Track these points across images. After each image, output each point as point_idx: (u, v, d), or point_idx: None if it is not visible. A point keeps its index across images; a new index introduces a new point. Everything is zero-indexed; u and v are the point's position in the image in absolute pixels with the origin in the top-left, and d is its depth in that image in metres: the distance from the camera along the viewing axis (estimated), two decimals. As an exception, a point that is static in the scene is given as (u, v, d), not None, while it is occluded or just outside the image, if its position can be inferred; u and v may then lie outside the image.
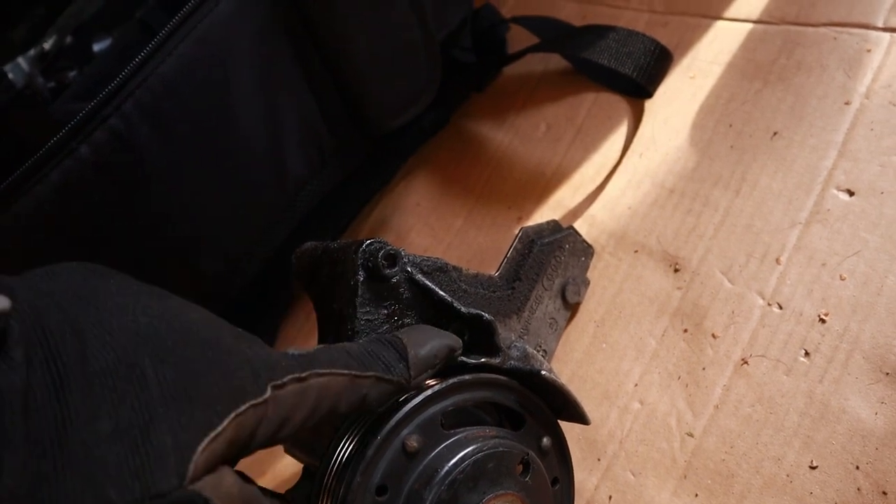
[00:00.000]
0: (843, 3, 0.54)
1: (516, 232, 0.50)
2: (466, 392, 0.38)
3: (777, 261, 0.47)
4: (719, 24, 0.61)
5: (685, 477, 0.44)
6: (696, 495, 0.43)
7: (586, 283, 0.54)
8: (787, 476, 0.41)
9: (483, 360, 0.39)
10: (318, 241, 0.45)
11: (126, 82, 0.47)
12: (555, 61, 0.71)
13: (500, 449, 0.36)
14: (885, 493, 0.38)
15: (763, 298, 0.47)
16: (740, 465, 0.43)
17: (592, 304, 0.54)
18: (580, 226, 0.57)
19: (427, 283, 0.41)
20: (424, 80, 0.66)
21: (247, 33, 0.52)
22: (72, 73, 0.70)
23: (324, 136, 0.61)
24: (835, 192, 0.48)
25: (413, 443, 0.35)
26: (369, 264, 0.39)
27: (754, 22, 0.59)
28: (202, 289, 0.58)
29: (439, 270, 0.42)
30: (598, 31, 0.63)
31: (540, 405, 0.41)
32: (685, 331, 0.49)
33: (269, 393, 0.29)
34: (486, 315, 0.40)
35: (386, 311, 0.40)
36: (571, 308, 0.54)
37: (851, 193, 0.47)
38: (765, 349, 0.45)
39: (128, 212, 0.51)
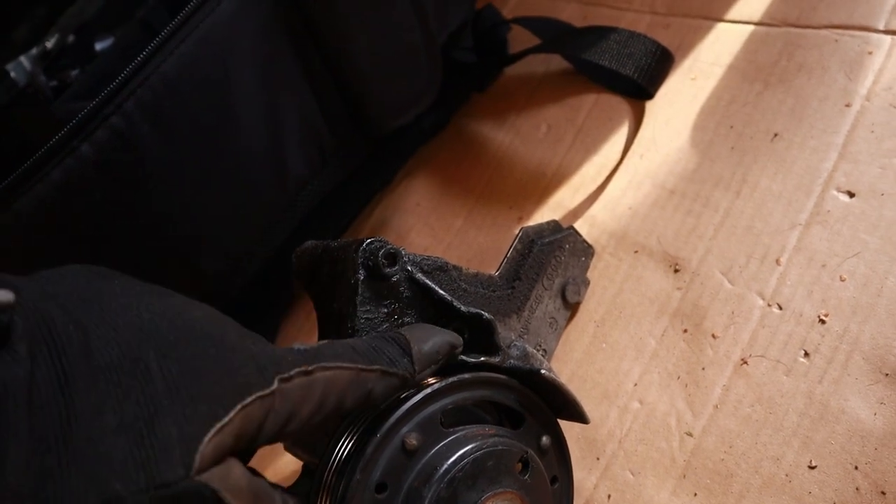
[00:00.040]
0: (844, 6, 0.54)
1: (516, 232, 0.50)
2: (466, 390, 0.38)
3: (777, 262, 0.47)
4: (721, 25, 0.62)
5: (684, 476, 0.44)
6: (695, 494, 0.43)
7: (586, 282, 0.55)
8: (786, 476, 0.41)
9: (483, 358, 0.39)
10: (319, 241, 0.45)
11: (127, 81, 0.47)
12: (556, 62, 0.71)
13: (500, 447, 0.36)
14: (883, 492, 0.38)
15: (763, 299, 0.47)
16: (739, 464, 0.43)
17: (592, 304, 0.54)
18: (580, 226, 0.58)
19: (427, 282, 0.41)
20: (425, 80, 0.66)
21: (248, 33, 0.52)
22: (74, 72, 0.70)
23: (324, 135, 0.61)
24: (835, 193, 0.48)
25: (413, 441, 0.35)
26: (369, 263, 0.39)
27: (756, 24, 0.59)
28: (203, 288, 0.58)
29: (439, 269, 0.42)
30: (600, 33, 0.63)
31: (539, 404, 0.41)
32: (685, 331, 0.49)
33: (275, 385, 0.29)
34: (486, 314, 0.40)
35: (386, 310, 0.40)
36: (571, 308, 0.54)
37: (852, 195, 0.47)
38: (764, 349, 0.45)
39: (129, 211, 0.51)
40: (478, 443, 0.35)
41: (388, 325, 0.40)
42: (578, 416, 0.43)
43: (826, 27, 0.55)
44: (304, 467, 0.43)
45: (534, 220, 0.63)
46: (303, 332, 0.71)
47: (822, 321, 0.44)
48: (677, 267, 0.52)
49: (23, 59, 0.69)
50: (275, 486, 0.31)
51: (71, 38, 0.72)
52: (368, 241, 0.39)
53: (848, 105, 0.50)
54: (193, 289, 0.55)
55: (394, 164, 0.77)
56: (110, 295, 0.28)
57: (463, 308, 0.41)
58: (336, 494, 0.34)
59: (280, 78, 0.55)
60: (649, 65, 0.60)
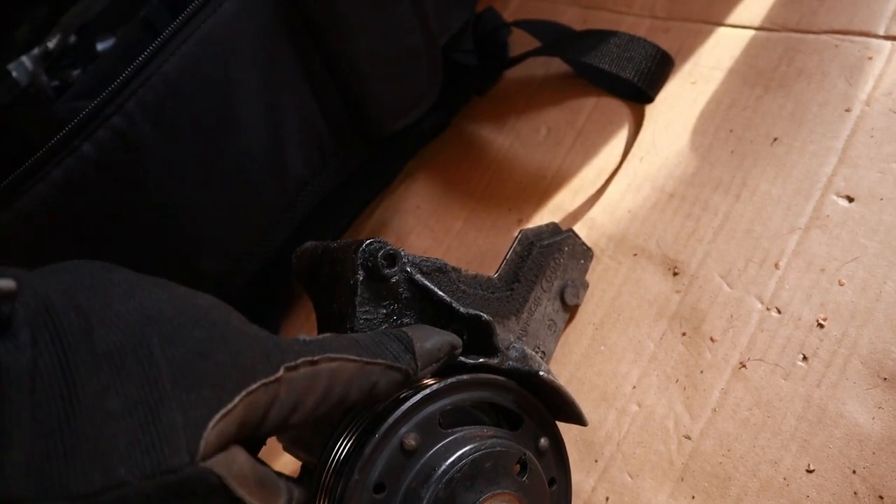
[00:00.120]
0: (844, 11, 0.55)
1: (516, 234, 0.50)
2: (465, 392, 0.38)
3: (776, 265, 0.47)
4: (721, 30, 0.62)
5: (682, 479, 0.44)
6: (693, 497, 0.43)
7: (585, 285, 0.55)
8: (784, 479, 0.41)
9: (481, 360, 0.39)
10: (319, 241, 0.45)
11: (129, 81, 0.47)
12: (556, 65, 0.71)
13: (498, 448, 0.36)
14: (881, 497, 0.38)
15: (762, 303, 0.47)
16: (737, 468, 0.43)
17: (591, 307, 0.54)
18: (580, 229, 0.58)
19: (426, 283, 0.41)
20: (426, 82, 0.66)
21: (249, 33, 0.52)
22: (75, 72, 0.70)
23: (324, 136, 0.61)
24: (834, 198, 0.48)
25: (411, 441, 0.35)
26: (369, 264, 0.39)
27: (756, 28, 0.59)
28: (203, 288, 0.57)
29: (438, 271, 0.42)
30: (600, 36, 0.63)
31: (538, 406, 0.41)
32: (683, 334, 0.49)
33: (281, 373, 0.29)
34: (485, 316, 0.40)
35: (385, 311, 0.40)
36: (570, 310, 0.54)
37: (851, 200, 0.47)
38: (763, 353, 0.45)
39: (129, 210, 0.51)
40: (476, 444, 0.35)
41: (386, 325, 0.40)
42: (577, 418, 0.43)
43: (826, 32, 0.55)
44: (302, 467, 0.43)
45: (533, 222, 0.63)
46: (303, 333, 0.71)
47: (821, 325, 0.44)
48: (676, 270, 0.52)
49: (24, 58, 0.69)
50: (279, 474, 0.31)
51: (73, 38, 0.72)
52: (368, 242, 0.39)
53: (848, 110, 0.50)
54: (193, 289, 0.55)
55: (394, 166, 0.77)
56: (113, 284, 0.28)
57: (462, 309, 0.41)
58: (334, 495, 0.34)
59: (281, 78, 0.56)
60: (649, 68, 0.60)
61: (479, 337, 0.41)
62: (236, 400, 0.27)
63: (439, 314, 0.41)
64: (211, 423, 0.26)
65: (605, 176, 0.61)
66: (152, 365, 0.26)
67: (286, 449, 0.44)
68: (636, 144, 0.60)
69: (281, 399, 0.29)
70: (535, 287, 0.50)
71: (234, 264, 0.59)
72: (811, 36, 0.55)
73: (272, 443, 0.37)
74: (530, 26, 0.73)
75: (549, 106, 0.70)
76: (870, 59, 0.51)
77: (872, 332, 0.42)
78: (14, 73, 0.68)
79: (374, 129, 0.65)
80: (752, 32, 0.59)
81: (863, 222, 0.46)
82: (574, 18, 0.74)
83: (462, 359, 0.38)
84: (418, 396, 0.36)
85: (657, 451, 0.46)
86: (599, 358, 0.52)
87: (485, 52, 0.76)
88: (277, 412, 0.29)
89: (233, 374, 0.27)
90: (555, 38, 0.70)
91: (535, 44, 0.71)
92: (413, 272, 0.41)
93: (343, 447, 0.35)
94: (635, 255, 0.54)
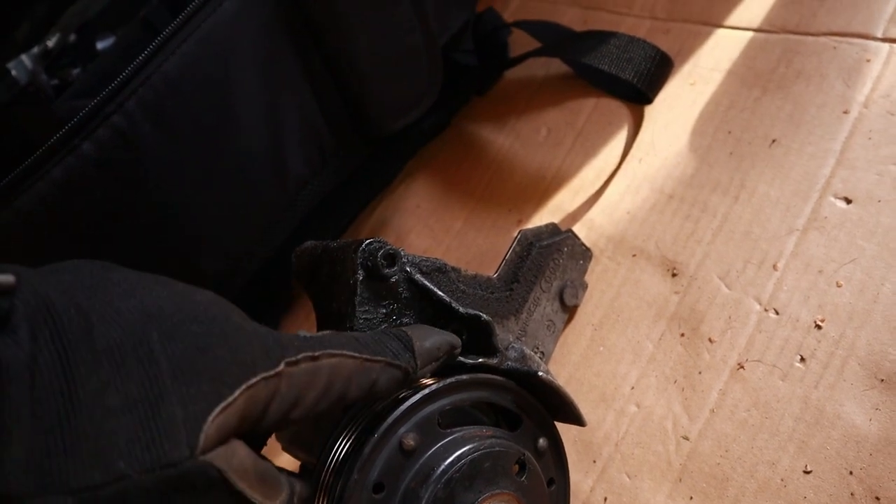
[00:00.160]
0: (842, 14, 0.55)
1: (515, 234, 0.51)
2: (464, 392, 0.38)
3: (774, 267, 0.48)
4: (720, 31, 0.62)
5: (680, 480, 0.45)
6: (691, 498, 0.44)
7: (584, 286, 0.55)
8: (782, 480, 0.41)
9: (481, 360, 0.39)
10: (318, 241, 0.45)
11: (129, 80, 0.47)
12: (556, 66, 0.72)
13: (497, 449, 0.36)
14: (878, 498, 0.38)
15: (760, 304, 0.47)
16: (735, 468, 0.43)
17: (590, 308, 0.55)
18: (579, 229, 0.58)
19: (426, 283, 0.41)
20: (426, 82, 0.66)
21: (249, 33, 0.52)
22: (75, 71, 0.70)
23: (324, 135, 0.62)
24: (832, 199, 0.48)
25: (410, 441, 0.35)
26: (368, 263, 0.39)
27: (755, 30, 0.59)
28: (203, 288, 0.58)
29: (438, 271, 0.42)
30: (600, 37, 0.63)
31: (537, 406, 0.41)
32: (682, 335, 0.49)
33: (281, 367, 0.29)
34: (485, 316, 0.40)
35: (384, 311, 0.40)
36: (569, 311, 0.54)
37: (849, 201, 0.47)
38: (761, 354, 0.45)
39: (129, 209, 0.51)
40: (475, 444, 0.35)
41: (386, 325, 0.40)
42: (575, 418, 0.43)
43: (825, 34, 0.55)
44: (301, 467, 0.43)
45: (533, 222, 0.63)
46: (303, 329, 0.71)
47: (819, 326, 0.44)
48: (675, 271, 0.52)
49: (24, 57, 0.69)
50: (281, 469, 0.31)
51: (72, 37, 0.72)
52: (368, 241, 0.39)
53: (846, 112, 0.50)
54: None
55: (394, 166, 0.77)
56: (113, 283, 0.28)
57: (461, 309, 0.41)
58: (333, 494, 0.34)
59: (281, 78, 0.56)
60: (649, 70, 0.61)
61: (478, 337, 0.41)
62: (236, 394, 0.27)
63: (439, 314, 0.41)
64: (210, 417, 0.26)
65: (605, 177, 0.61)
66: (152, 361, 0.26)
67: (285, 449, 0.44)
68: (635, 145, 0.61)
69: (282, 393, 0.29)
70: (534, 287, 0.50)
71: (234, 264, 0.60)
72: (810, 38, 0.56)
73: (271, 443, 0.37)
74: (530, 27, 0.73)
75: (549, 106, 0.70)
76: (868, 61, 0.51)
77: (870, 333, 0.42)
78: (14, 72, 0.68)
79: (374, 129, 0.65)
80: (751, 34, 0.59)
81: (860, 224, 0.46)
82: (574, 19, 0.74)
83: (461, 359, 0.39)
84: (417, 396, 0.36)
85: (655, 452, 0.46)
86: (598, 358, 0.52)
87: (485, 53, 0.76)
88: (278, 406, 0.29)
89: (232, 369, 0.27)
90: (555, 39, 0.70)
91: (535, 44, 0.71)
92: (413, 272, 0.41)
93: (342, 447, 0.35)
94: (634, 255, 0.55)
